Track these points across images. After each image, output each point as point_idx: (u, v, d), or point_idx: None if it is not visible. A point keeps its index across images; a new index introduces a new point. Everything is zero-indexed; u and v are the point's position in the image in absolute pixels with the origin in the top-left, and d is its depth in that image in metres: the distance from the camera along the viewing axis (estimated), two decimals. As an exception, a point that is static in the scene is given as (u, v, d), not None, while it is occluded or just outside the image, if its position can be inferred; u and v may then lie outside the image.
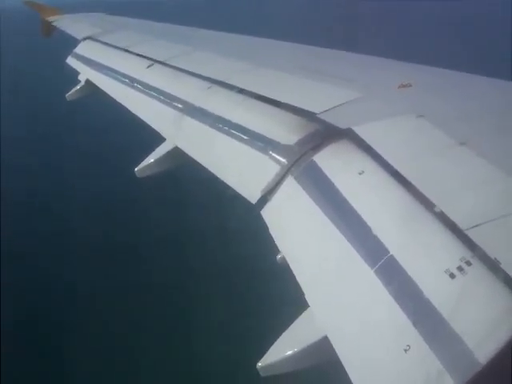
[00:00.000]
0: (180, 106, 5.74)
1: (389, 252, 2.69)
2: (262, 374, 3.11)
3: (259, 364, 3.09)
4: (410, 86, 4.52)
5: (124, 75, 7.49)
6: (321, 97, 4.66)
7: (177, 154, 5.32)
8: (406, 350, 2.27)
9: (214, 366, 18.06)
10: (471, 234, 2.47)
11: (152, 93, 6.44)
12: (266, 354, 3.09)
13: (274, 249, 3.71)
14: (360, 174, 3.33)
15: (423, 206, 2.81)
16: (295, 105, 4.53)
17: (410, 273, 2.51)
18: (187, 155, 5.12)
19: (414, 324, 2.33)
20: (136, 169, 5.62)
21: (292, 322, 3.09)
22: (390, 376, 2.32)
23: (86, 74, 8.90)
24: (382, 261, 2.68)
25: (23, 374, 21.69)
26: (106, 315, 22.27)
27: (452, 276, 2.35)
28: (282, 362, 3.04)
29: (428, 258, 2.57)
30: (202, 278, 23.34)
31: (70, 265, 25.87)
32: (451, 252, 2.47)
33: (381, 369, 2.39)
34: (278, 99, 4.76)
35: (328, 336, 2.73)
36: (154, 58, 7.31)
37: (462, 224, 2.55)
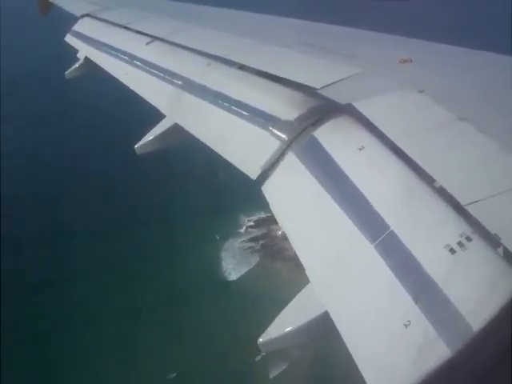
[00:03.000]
0: (180, 82, 5.70)
1: (389, 227, 2.70)
2: (262, 349, 3.12)
3: (260, 340, 3.10)
4: (411, 61, 4.51)
5: (123, 52, 7.42)
6: (321, 72, 4.65)
7: (176, 130, 5.31)
8: (406, 326, 2.30)
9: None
10: (471, 210, 2.48)
11: (151, 70, 6.39)
12: (267, 330, 3.11)
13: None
14: (360, 149, 3.33)
15: (423, 182, 2.81)
16: (296, 80, 4.51)
17: (410, 248, 2.53)
18: (187, 132, 5.11)
19: (415, 299, 2.35)
20: (136, 146, 5.61)
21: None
22: (390, 351, 2.34)
23: (84, 51, 8.81)
24: (383, 236, 2.70)
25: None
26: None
27: (452, 251, 2.37)
28: (282, 337, 3.05)
29: (428, 234, 2.58)
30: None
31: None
32: (451, 227, 2.48)
33: (381, 344, 2.41)
34: (279, 75, 4.74)
35: (328, 311, 2.75)
36: (154, 34, 7.25)
37: (462, 199, 2.57)
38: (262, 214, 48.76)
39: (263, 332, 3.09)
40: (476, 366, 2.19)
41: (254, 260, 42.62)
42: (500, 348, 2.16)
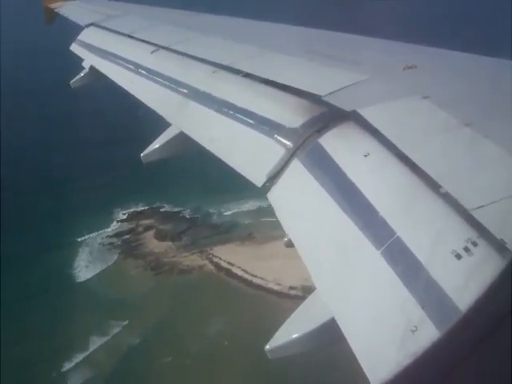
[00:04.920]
0: (185, 91, 5.73)
1: (395, 233, 2.70)
2: (269, 356, 3.15)
3: (267, 347, 3.14)
4: (415, 67, 4.52)
5: (128, 61, 7.47)
6: (326, 79, 4.67)
7: (182, 138, 5.34)
8: (413, 331, 2.29)
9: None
10: (477, 215, 2.48)
11: (157, 78, 6.43)
12: (274, 337, 3.14)
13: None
14: (365, 156, 3.33)
15: (429, 187, 2.80)
16: (300, 88, 4.53)
17: (416, 254, 2.52)
18: (193, 140, 5.13)
19: (421, 305, 2.34)
20: (142, 154, 5.65)
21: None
22: (397, 355, 2.32)
23: (90, 60, 8.88)
24: (389, 242, 2.69)
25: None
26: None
27: (458, 256, 2.36)
28: (289, 344, 3.08)
29: (434, 239, 2.57)
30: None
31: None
32: (457, 233, 2.48)
33: (388, 350, 2.41)
34: (284, 83, 4.76)
35: (335, 318, 2.76)
36: (159, 43, 7.29)
37: (467, 205, 2.56)
38: (139, 207, 49.46)
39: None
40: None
41: (111, 258, 43.37)
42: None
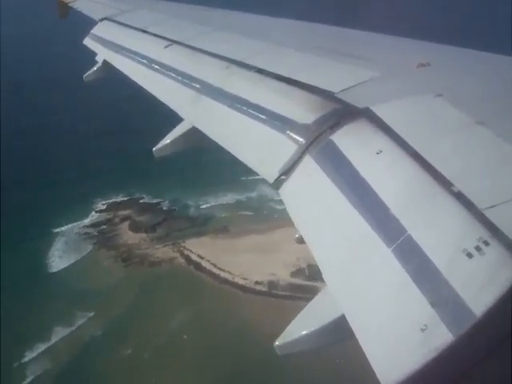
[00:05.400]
0: (198, 86, 5.75)
1: (406, 231, 2.70)
2: (278, 352, 3.16)
3: (276, 343, 3.14)
4: (429, 65, 4.50)
5: (141, 56, 7.50)
6: (339, 76, 4.66)
7: (194, 133, 5.36)
8: (423, 330, 2.29)
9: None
10: (489, 214, 2.47)
11: (170, 73, 6.45)
12: (283, 333, 3.14)
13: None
14: (378, 153, 3.33)
15: (441, 186, 2.80)
16: (313, 84, 4.53)
17: (427, 252, 2.52)
18: (205, 135, 5.15)
19: (432, 304, 2.34)
20: (154, 148, 5.68)
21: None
22: (406, 354, 2.34)
23: (103, 54, 8.91)
24: (400, 240, 2.69)
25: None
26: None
27: (470, 255, 2.35)
28: (298, 340, 3.08)
29: (445, 238, 2.57)
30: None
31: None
32: (469, 232, 2.47)
33: (397, 347, 2.42)
34: (297, 79, 4.76)
35: (345, 315, 2.76)
36: (172, 38, 7.31)
37: (479, 204, 2.55)
38: (119, 198, 49.71)
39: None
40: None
41: (85, 248, 43.66)
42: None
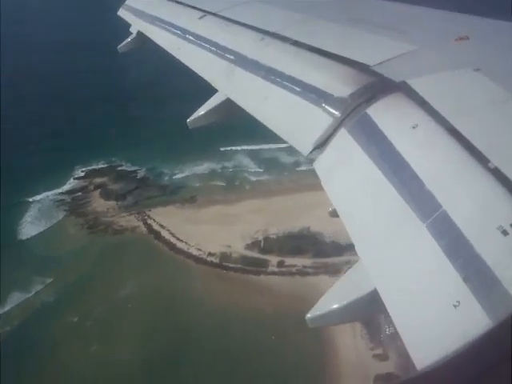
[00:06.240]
0: (232, 57, 5.74)
1: (441, 207, 2.68)
2: (309, 325, 3.18)
3: (308, 315, 3.16)
4: (468, 38, 4.42)
5: (176, 26, 7.50)
6: (375, 49, 4.61)
7: (228, 105, 5.38)
8: (455, 306, 2.29)
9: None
10: None
11: (204, 44, 6.45)
12: (315, 306, 3.16)
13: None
14: (414, 127, 3.31)
15: (477, 162, 2.77)
16: (349, 57, 4.50)
17: (462, 228, 2.51)
18: (239, 107, 5.17)
19: (465, 280, 2.33)
20: (188, 120, 5.72)
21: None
22: (438, 330, 2.35)
23: (137, 25, 8.94)
24: (435, 216, 2.68)
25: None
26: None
27: (505, 233, 2.34)
28: (330, 313, 3.10)
29: (481, 214, 2.55)
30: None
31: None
32: (505, 209, 2.45)
33: (429, 323, 2.43)
34: (332, 51, 4.73)
35: (377, 289, 2.77)
36: (206, 9, 7.29)
37: None
38: (100, 165, 49.80)
39: None
40: None
41: (57, 215, 43.92)
42: None
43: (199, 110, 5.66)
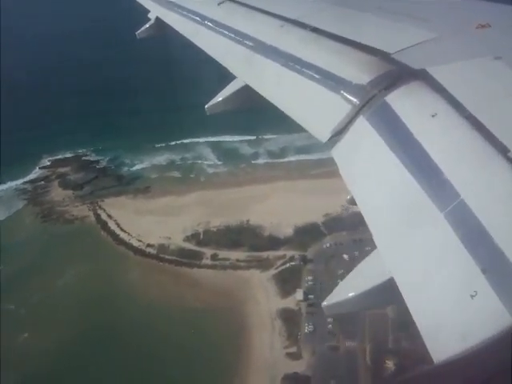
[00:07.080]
0: (251, 44, 5.73)
1: (460, 196, 2.68)
2: (326, 312, 3.23)
3: (324, 303, 3.20)
4: (489, 26, 4.37)
5: (194, 13, 7.49)
6: (395, 37, 4.58)
7: (247, 91, 5.39)
8: (472, 296, 2.29)
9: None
10: None
11: (223, 31, 6.43)
12: (331, 294, 3.19)
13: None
14: (433, 116, 3.30)
15: (497, 151, 2.76)
16: (368, 44, 4.47)
17: (480, 218, 2.50)
18: (257, 93, 5.18)
19: (483, 271, 2.33)
20: (206, 106, 5.75)
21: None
22: (455, 320, 2.36)
23: (155, 11, 8.94)
24: (453, 205, 2.68)
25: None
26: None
27: None
28: (346, 301, 3.13)
29: (499, 205, 2.55)
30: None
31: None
32: None
33: (445, 312, 2.43)
34: (352, 38, 4.70)
35: (394, 278, 2.78)
36: None
37: None
38: (66, 155, 49.89)
39: None
40: None
41: (17, 205, 44.47)
42: None
43: (217, 96, 5.68)
